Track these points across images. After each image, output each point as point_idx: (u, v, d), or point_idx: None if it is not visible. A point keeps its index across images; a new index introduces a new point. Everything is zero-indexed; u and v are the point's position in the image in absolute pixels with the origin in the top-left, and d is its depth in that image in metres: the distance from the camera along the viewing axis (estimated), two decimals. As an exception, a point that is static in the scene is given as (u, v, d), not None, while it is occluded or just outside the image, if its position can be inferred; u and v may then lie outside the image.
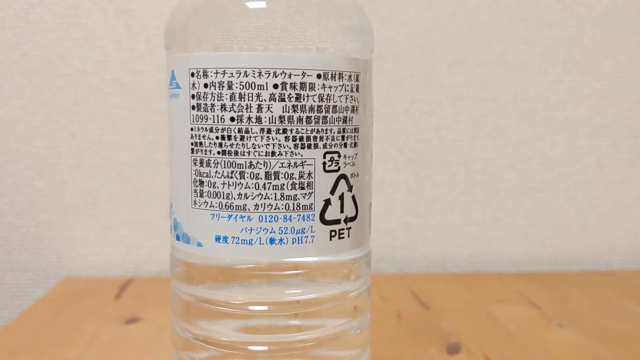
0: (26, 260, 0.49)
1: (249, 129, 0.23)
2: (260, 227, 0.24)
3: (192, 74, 0.24)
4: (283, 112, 0.23)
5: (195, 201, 0.24)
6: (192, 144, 0.24)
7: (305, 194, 0.24)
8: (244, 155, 0.23)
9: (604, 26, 0.51)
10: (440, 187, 0.51)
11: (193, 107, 0.24)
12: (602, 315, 0.40)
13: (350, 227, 0.25)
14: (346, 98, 0.24)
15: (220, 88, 0.23)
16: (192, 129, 0.24)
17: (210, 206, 0.24)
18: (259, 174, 0.23)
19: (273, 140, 0.23)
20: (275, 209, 0.23)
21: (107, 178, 0.49)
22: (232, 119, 0.23)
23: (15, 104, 0.47)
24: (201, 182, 0.24)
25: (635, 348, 0.35)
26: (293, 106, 0.23)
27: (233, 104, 0.23)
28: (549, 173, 0.52)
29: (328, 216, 0.24)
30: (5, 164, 0.48)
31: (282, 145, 0.23)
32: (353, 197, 0.25)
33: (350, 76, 0.24)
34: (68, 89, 0.48)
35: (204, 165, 0.24)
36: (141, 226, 0.49)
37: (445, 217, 0.51)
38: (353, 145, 0.25)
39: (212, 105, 0.23)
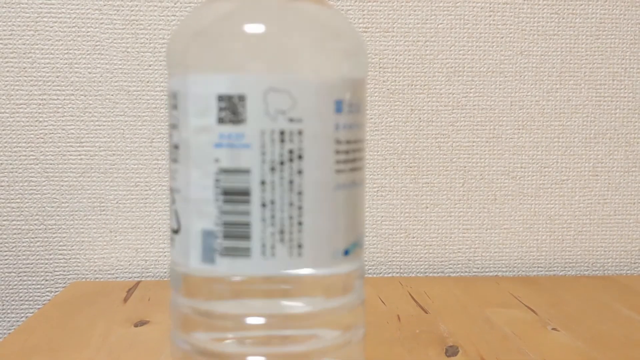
0: (34, 264, 0.50)
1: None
2: None
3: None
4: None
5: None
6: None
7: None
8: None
9: (599, 36, 0.52)
10: (438, 193, 0.52)
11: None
12: (596, 319, 0.41)
13: (173, 238, 0.27)
14: (170, 117, 0.27)
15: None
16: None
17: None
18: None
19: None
20: None
21: (115, 183, 0.50)
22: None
23: (25, 111, 0.49)
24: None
25: (628, 352, 0.35)
26: None
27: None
28: (545, 179, 0.53)
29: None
30: (14, 169, 0.49)
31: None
32: (175, 211, 0.27)
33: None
34: (76, 97, 0.49)
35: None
36: (148, 230, 0.50)
37: (443, 222, 0.52)
38: (174, 160, 0.27)
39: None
